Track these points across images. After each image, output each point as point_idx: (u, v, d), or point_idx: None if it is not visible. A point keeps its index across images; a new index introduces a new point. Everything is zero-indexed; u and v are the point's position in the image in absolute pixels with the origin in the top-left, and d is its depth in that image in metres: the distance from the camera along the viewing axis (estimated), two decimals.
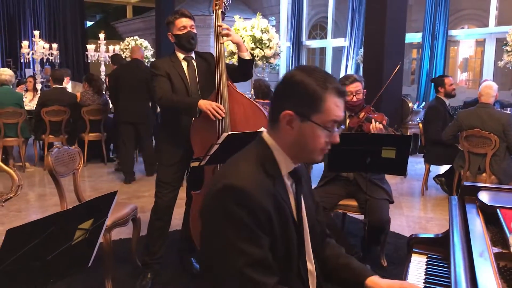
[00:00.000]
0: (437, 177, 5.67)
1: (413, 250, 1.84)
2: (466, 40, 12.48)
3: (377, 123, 3.16)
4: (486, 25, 9.50)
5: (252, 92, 4.89)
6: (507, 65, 5.96)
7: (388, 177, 3.65)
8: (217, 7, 3.04)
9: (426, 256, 1.78)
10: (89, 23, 18.74)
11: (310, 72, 1.37)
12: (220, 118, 2.76)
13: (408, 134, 6.68)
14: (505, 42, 5.91)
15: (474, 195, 1.77)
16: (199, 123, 2.91)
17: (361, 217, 3.41)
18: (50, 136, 6.60)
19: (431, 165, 5.66)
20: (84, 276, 3.16)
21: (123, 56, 8.80)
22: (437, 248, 1.79)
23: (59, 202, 3.06)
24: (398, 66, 3.68)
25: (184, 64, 3.02)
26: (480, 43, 12.33)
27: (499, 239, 1.44)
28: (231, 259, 1.27)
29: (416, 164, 6.90)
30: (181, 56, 3.03)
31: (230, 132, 2.38)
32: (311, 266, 1.49)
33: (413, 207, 5.21)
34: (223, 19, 3.09)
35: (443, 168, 6.00)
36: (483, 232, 1.45)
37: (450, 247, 1.39)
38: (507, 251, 1.30)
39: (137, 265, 3.30)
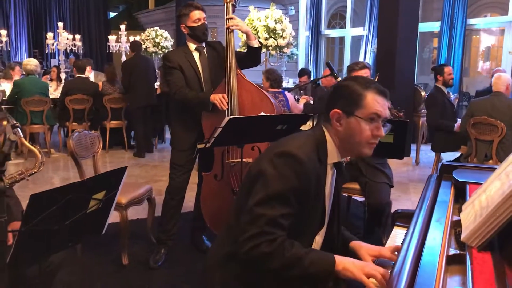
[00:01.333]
0: (444, 169, 5.75)
1: (396, 223, 2.01)
2: (487, 28, 12.34)
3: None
4: (507, 13, 9.40)
5: (264, 81, 5.05)
6: None
7: (399, 165, 3.78)
8: (227, 0, 3.23)
9: (407, 229, 1.94)
10: (112, 14, 19.09)
11: (355, 79, 1.67)
12: (225, 108, 2.97)
13: (420, 122, 6.77)
14: None
15: (451, 173, 1.92)
16: (210, 111, 3.09)
17: (362, 199, 3.57)
18: (74, 123, 6.90)
19: (442, 153, 5.77)
20: (103, 250, 3.42)
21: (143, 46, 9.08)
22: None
23: None
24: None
25: (196, 55, 3.21)
26: (503, 32, 12.20)
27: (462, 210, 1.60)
28: (260, 206, 1.50)
29: (428, 152, 6.99)
30: (192, 46, 3.21)
31: (231, 117, 2.57)
32: (319, 238, 1.73)
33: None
34: (233, 11, 3.28)
35: (455, 156, 6.09)
36: (449, 204, 1.61)
37: (414, 214, 1.56)
38: None
39: (152, 241, 3.55)
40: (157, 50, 10.06)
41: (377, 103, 1.57)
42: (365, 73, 3.58)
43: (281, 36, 6.55)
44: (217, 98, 2.97)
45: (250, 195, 1.56)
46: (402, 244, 1.40)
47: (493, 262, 1.10)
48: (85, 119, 6.98)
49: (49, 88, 7.34)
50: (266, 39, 6.53)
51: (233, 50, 3.12)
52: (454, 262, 1.22)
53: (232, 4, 3.26)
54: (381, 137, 1.62)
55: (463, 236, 1.23)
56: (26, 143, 2.06)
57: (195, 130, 3.22)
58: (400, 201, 4.80)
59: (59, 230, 1.70)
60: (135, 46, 6.97)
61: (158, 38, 10.01)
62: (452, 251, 1.25)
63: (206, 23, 3.23)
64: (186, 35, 3.24)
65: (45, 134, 6.95)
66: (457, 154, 5.75)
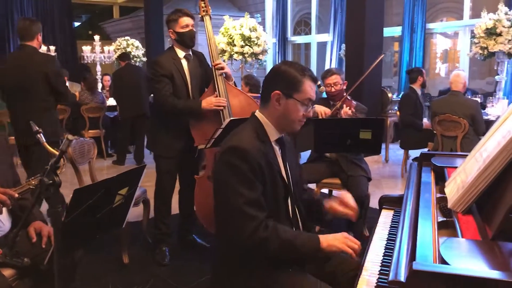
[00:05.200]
0: (415, 159, 6.16)
1: (383, 206, 2.29)
2: (444, 32, 13.00)
3: (347, 108, 3.63)
4: (462, 18, 9.99)
5: (243, 87, 5.30)
6: (476, 56, 6.45)
7: (370, 162, 4.10)
8: (204, 13, 3.42)
9: (393, 211, 2.23)
10: (75, 24, 18.94)
11: (291, 64, 1.89)
12: (224, 106, 3.17)
13: (388, 122, 7.17)
14: (472, 34, 6.39)
15: (429, 160, 2.22)
16: (199, 116, 3.24)
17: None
18: None
19: (410, 151, 6.18)
20: (103, 251, 3.58)
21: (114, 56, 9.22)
22: (402, 204, 2.24)
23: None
24: (382, 56, 4.02)
25: (185, 62, 3.31)
26: (457, 35, 12.88)
27: (443, 189, 1.89)
28: (233, 199, 1.72)
29: (397, 150, 7.40)
30: (181, 53, 3.30)
31: (232, 118, 2.80)
32: (291, 210, 1.97)
33: (394, 187, 5.69)
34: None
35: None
36: (432, 184, 1.91)
37: (405, 192, 1.84)
38: (446, 195, 1.75)
39: (148, 241, 3.74)
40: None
41: (311, 89, 1.85)
42: (335, 78, 3.88)
43: (256, 43, 6.85)
44: (213, 104, 3.15)
45: (219, 197, 1.82)
46: (400, 215, 1.67)
47: (475, 222, 1.38)
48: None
49: None
50: (242, 46, 6.82)
51: (217, 59, 3.33)
52: (442, 227, 1.50)
53: (209, 16, 3.46)
54: (309, 117, 1.92)
55: (449, 205, 1.51)
56: (49, 147, 2.24)
57: (182, 137, 3.34)
58: (375, 195, 5.08)
59: (91, 223, 1.89)
60: (124, 56, 7.11)
61: (130, 48, 10.11)
62: (440, 219, 1.54)
63: (194, 30, 3.31)
64: (173, 41, 3.30)
65: None
66: (424, 150, 6.15)
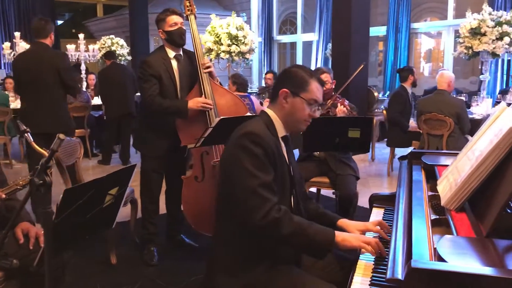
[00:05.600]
0: (402, 158, 6.22)
1: (374, 205, 2.30)
2: (428, 32, 13.13)
3: (342, 106, 3.65)
4: (446, 18, 10.12)
5: (231, 86, 5.28)
6: (460, 55, 6.53)
7: (357, 161, 4.12)
8: (189, 13, 3.41)
9: (384, 209, 2.24)
10: (58, 22, 18.72)
11: (301, 67, 1.99)
12: (210, 109, 3.18)
13: (374, 121, 7.22)
14: (457, 34, 6.47)
15: (419, 158, 2.24)
16: (185, 116, 3.21)
17: (331, 193, 3.88)
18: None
19: (396, 149, 6.23)
20: (90, 252, 3.54)
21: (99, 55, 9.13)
22: (392, 203, 2.24)
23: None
24: (362, 66, 4.07)
25: (174, 63, 3.28)
26: (441, 34, 13.02)
27: (434, 187, 1.90)
28: (248, 181, 1.75)
29: (382, 149, 7.45)
30: (171, 53, 3.28)
31: (223, 117, 2.79)
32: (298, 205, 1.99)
33: (380, 186, 5.73)
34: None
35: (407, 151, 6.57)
36: (423, 182, 1.92)
37: (397, 192, 1.85)
38: (438, 194, 1.77)
39: (136, 241, 3.70)
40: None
41: (317, 90, 1.92)
42: (325, 76, 3.90)
43: (243, 42, 6.84)
44: (200, 104, 3.14)
45: (233, 180, 1.81)
46: (394, 214, 1.67)
47: (469, 219, 1.39)
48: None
49: (11, 98, 7.26)
50: (229, 45, 6.79)
51: (203, 58, 3.32)
52: (435, 225, 1.51)
53: (194, 15, 3.45)
54: (315, 117, 1.96)
55: (443, 202, 1.52)
56: (37, 147, 2.20)
57: (168, 137, 3.33)
58: (362, 194, 5.12)
59: (81, 223, 1.87)
60: (110, 55, 7.04)
61: (114, 46, 10.02)
62: (433, 217, 1.55)
63: (184, 28, 3.29)
64: (164, 41, 3.29)
65: (6, 145, 6.86)
66: (409, 149, 6.22)
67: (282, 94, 1.92)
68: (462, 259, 1.11)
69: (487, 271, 1.06)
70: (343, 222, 1.99)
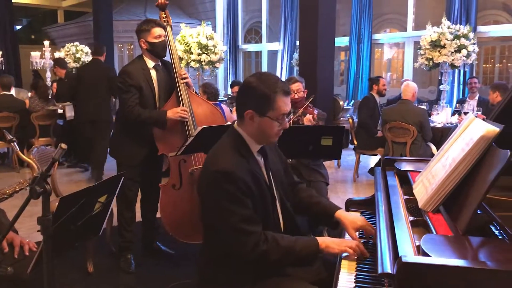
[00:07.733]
0: (371, 170, 6.49)
1: (350, 209, 2.42)
2: (388, 43, 13.59)
3: (310, 116, 3.79)
4: (406, 29, 10.52)
5: (201, 95, 5.35)
6: (421, 66, 6.84)
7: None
8: (165, 24, 3.46)
9: (360, 212, 2.37)
10: (16, 27, 18.26)
11: (261, 78, 1.87)
12: (188, 118, 3.24)
13: None
14: (419, 46, 6.78)
15: (392, 165, 2.39)
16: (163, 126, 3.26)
17: None
18: (0, 142, 6.71)
19: (361, 156, 6.46)
20: (66, 260, 3.52)
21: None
22: (367, 207, 2.38)
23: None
24: (312, 97, 4.09)
25: (154, 73, 3.33)
26: (402, 46, 13.50)
27: (408, 191, 2.05)
28: (229, 220, 1.78)
29: (347, 156, 7.68)
30: (150, 63, 3.31)
31: (205, 126, 2.86)
32: (280, 215, 2.04)
33: (347, 191, 5.92)
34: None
35: (373, 161, 6.83)
36: (398, 188, 2.06)
37: (375, 197, 1.98)
38: (412, 197, 1.91)
39: (112, 250, 3.71)
40: (78, 65, 9.94)
41: (284, 104, 1.84)
42: (297, 85, 4.04)
43: (213, 52, 6.92)
44: (178, 115, 3.19)
45: (213, 217, 1.85)
46: (375, 216, 1.80)
47: (445, 220, 1.54)
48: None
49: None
50: (199, 54, 6.87)
51: (179, 68, 3.38)
52: (414, 225, 1.64)
53: (170, 26, 3.52)
54: (286, 128, 1.91)
55: (420, 205, 1.67)
56: (23, 156, 2.22)
57: (146, 146, 3.36)
58: (331, 199, 5.31)
59: (72, 230, 1.91)
60: (62, 63, 6.95)
61: (79, 53, 9.90)
62: (411, 218, 1.69)
63: (166, 40, 3.34)
64: (144, 51, 3.32)
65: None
66: (374, 157, 6.47)
67: (248, 115, 1.85)
68: (443, 254, 1.25)
69: (466, 263, 1.20)
70: (341, 215, 2.00)
